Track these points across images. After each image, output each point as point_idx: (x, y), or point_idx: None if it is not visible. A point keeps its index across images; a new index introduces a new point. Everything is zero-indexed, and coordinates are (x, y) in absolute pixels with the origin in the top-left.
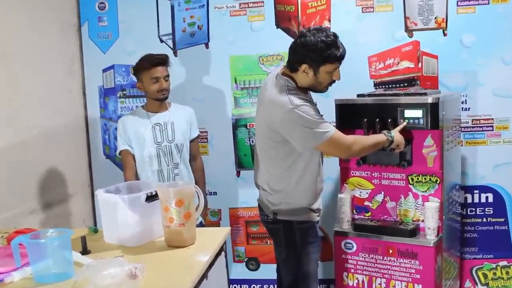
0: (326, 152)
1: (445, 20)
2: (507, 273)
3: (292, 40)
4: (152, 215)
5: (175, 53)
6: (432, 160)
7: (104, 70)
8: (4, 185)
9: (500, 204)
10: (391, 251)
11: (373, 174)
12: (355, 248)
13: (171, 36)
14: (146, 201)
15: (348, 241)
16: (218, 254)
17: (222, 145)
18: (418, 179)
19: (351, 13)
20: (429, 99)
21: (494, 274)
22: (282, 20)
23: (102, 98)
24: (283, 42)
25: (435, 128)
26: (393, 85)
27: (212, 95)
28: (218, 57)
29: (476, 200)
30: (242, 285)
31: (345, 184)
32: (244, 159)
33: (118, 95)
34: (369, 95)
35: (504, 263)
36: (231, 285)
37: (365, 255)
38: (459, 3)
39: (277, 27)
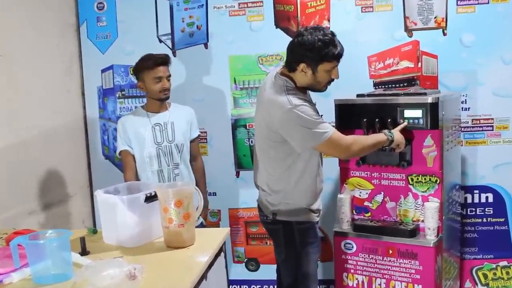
0: (325, 152)
1: (444, 20)
2: (507, 273)
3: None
4: (151, 216)
5: (174, 53)
6: (432, 160)
7: (103, 71)
8: (3, 185)
9: (500, 204)
10: (391, 252)
11: (372, 174)
12: (355, 249)
13: (170, 36)
14: (145, 201)
15: (348, 241)
16: (217, 255)
17: (221, 145)
18: (418, 179)
19: (351, 12)
20: (429, 99)
21: (494, 274)
22: (282, 20)
23: (101, 98)
24: (282, 42)
25: (435, 128)
26: (393, 85)
27: (211, 95)
28: (217, 57)
29: (476, 200)
30: (242, 286)
31: (344, 185)
32: (244, 160)
33: (117, 95)
34: (369, 95)
35: (504, 263)
36: (230, 286)
37: (365, 256)
38: (458, 2)
39: (276, 27)
